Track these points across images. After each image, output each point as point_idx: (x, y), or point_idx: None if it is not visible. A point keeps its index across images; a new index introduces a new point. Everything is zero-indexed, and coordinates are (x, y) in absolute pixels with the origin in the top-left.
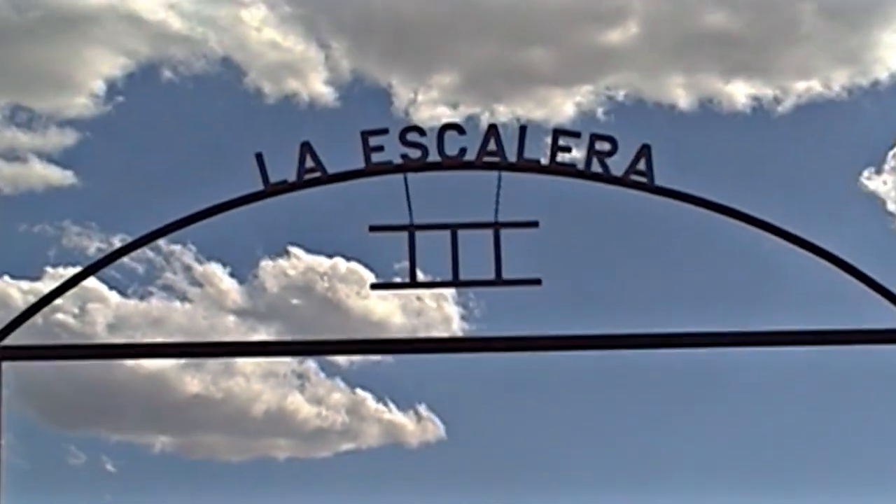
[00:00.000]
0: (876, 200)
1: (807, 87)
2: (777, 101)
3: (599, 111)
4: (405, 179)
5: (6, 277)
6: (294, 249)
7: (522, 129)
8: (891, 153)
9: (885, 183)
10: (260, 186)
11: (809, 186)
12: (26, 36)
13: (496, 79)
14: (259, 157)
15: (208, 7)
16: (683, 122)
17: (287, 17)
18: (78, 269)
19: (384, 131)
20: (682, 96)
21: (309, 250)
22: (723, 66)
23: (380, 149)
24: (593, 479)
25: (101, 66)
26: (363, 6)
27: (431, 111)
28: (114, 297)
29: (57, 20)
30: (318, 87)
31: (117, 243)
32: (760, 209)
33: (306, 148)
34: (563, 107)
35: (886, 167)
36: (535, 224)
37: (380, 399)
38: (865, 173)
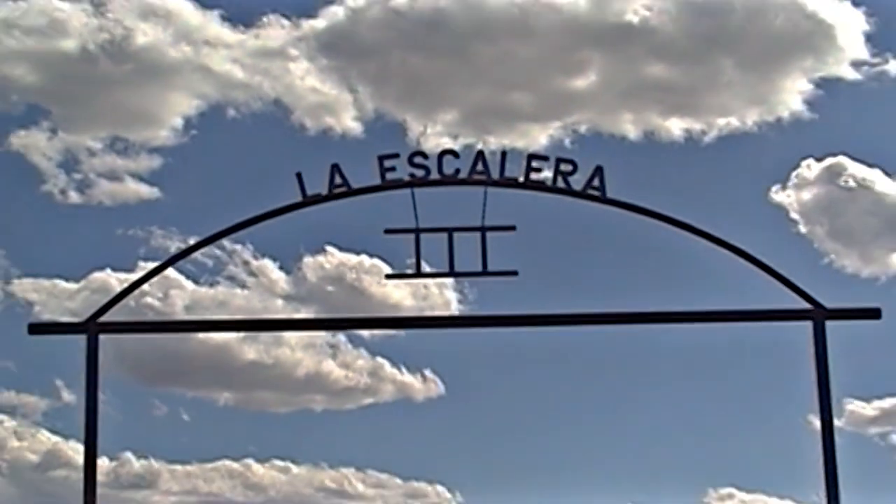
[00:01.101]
0: (781, 210)
1: (727, 122)
2: (704, 133)
3: (566, 141)
4: (412, 193)
5: (108, 270)
6: (329, 248)
7: (503, 154)
8: (793, 173)
9: (788, 196)
10: (300, 198)
11: (729, 199)
12: (123, 83)
13: (487, 116)
14: (299, 175)
15: (263, 61)
16: (631, 149)
17: (324, 68)
18: (160, 263)
19: (396, 155)
20: (630, 129)
21: (340, 249)
22: (662, 107)
23: (392, 169)
24: (560, 422)
25: (179, 107)
26: (383, 59)
27: (437, 141)
28: (189, 284)
29: (146, 71)
30: (348, 122)
31: (191, 242)
32: (690, 216)
33: (336, 168)
34: (539, 138)
35: (789, 184)
36: (513, 228)
37: (394, 364)
38: (773, 189)
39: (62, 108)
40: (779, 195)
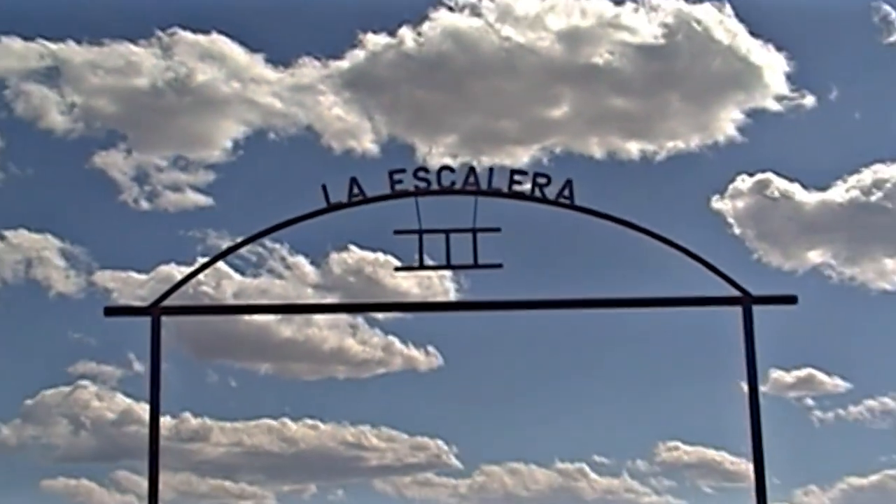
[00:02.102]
0: (719, 216)
1: (674, 144)
2: (656, 153)
3: (544, 159)
4: (416, 202)
5: (172, 263)
6: (351, 246)
7: (490, 170)
8: (729, 186)
9: (725, 204)
10: (324, 205)
11: (676, 206)
12: (184, 112)
13: (480, 139)
14: (324, 187)
15: (297, 94)
16: (596, 166)
17: (347, 100)
18: (212, 258)
19: (403, 170)
20: (596, 150)
21: (360, 247)
22: (622, 132)
23: (400, 182)
24: (536, 389)
25: (229, 131)
26: (395, 93)
27: (440, 159)
28: (236, 275)
29: (203, 102)
30: (367, 144)
31: (238, 241)
32: (644, 221)
33: (354, 181)
34: (522, 157)
35: (726, 194)
36: (498, 229)
37: (402, 341)
38: (713, 198)
39: (136, 133)
40: (717, 203)
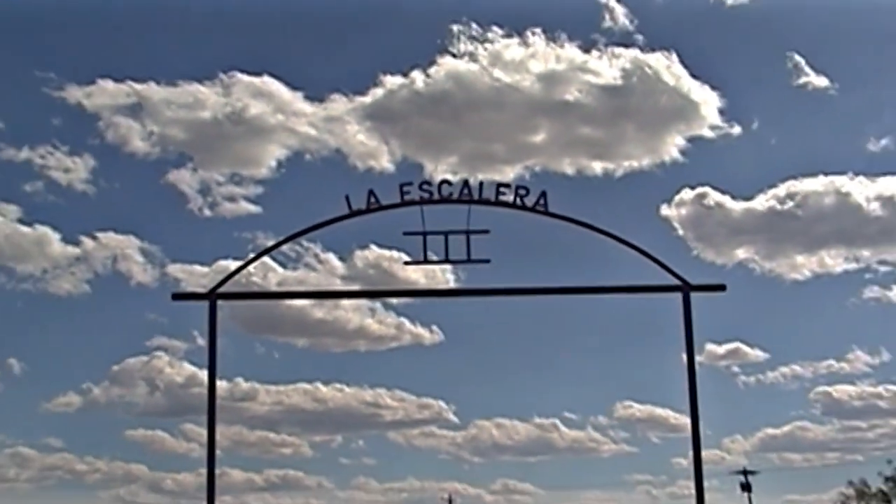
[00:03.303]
0: (667, 221)
1: (630, 163)
2: (615, 170)
3: (526, 175)
4: (421, 209)
5: (228, 259)
6: (371, 245)
7: (481, 184)
8: (675, 197)
9: (672, 211)
10: (347, 212)
11: (631, 213)
12: (239, 138)
13: (475, 160)
14: (346, 197)
15: (328, 124)
16: (568, 181)
17: (369, 128)
18: (259, 253)
19: (410, 183)
20: (568, 168)
21: (379, 245)
22: (588, 154)
23: (408, 193)
24: (519, 359)
25: (274, 153)
26: (408, 122)
27: (444, 176)
28: (279, 268)
29: (254, 130)
30: (384, 164)
31: (281, 240)
32: (606, 225)
33: (371, 193)
34: (509, 174)
35: (672, 204)
36: (487, 231)
37: (411, 321)
38: (662, 207)
39: (200, 155)
40: (665, 211)
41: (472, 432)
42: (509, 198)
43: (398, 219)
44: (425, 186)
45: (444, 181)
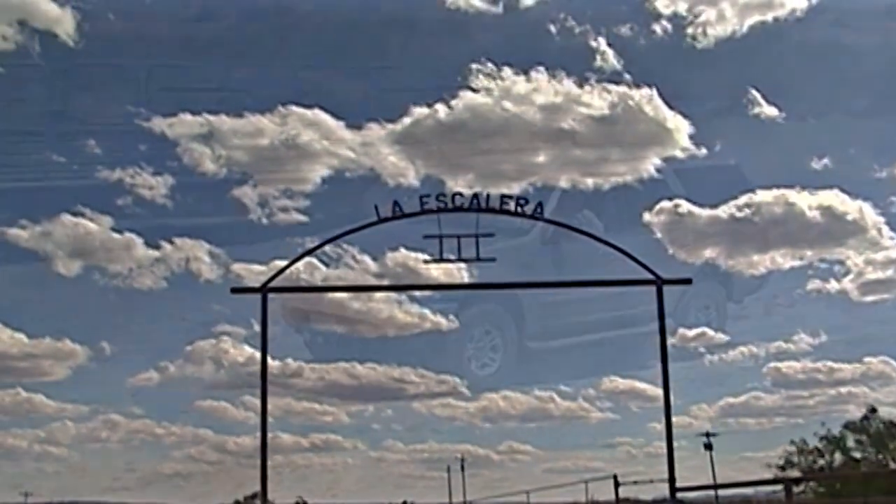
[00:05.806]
0: (648, 227)
1: (616, 179)
2: (603, 185)
3: (530, 189)
4: (438, 217)
5: (276, 260)
6: (401, 248)
7: (487, 195)
8: (655, 206)
9: (652, 219)
10: (376, 219)
11: (617, 220)
12: (291, 160)
13: (487, 177)
14: (375, 206)
15: (365, 148)
16: (563, 194)
17: (398, 151)
18: (303, 253)
19: (428, 195)
20: (563, 183)
21: (406, 248)
22: (580, 171)
23: (426, 202)
24: (520, 342)
25: (320, 172)
26: (430, 146)
27: (461, 190)
28: (322, 267)
29: (304, 154)
30: (410, 180)
31: (320, 242)
32: (595, 230)
33: (396, 203)
34: (516, 188)
35: (653, 212)
36: (492, 234)
37: (432, 311)
38: (644, 214)
39: (260, 175)
40: (647, 218)
41: (481, 404)
42: (511, 206)
43: (420, 225)
44: (441, 197)
45: (457, 193)
